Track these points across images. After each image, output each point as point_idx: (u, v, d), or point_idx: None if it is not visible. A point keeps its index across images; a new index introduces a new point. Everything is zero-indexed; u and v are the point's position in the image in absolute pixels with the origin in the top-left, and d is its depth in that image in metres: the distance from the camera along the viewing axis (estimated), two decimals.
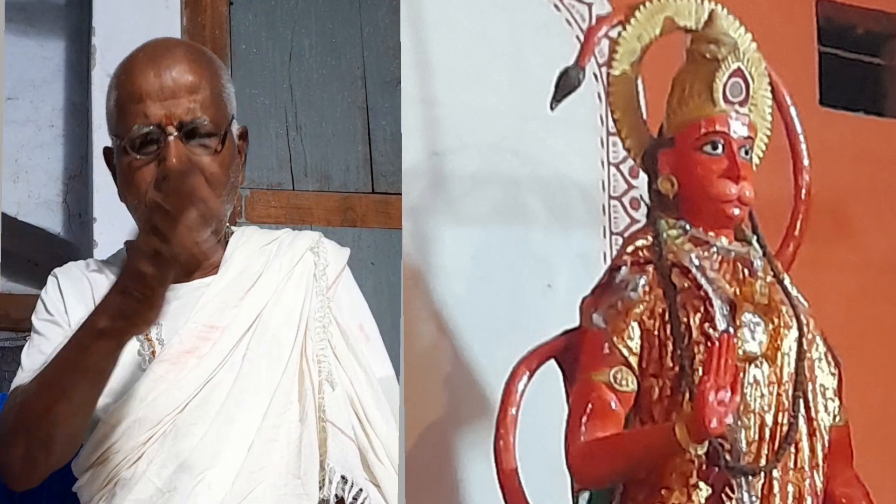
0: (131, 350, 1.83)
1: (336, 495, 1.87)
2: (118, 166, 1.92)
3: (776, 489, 2.02)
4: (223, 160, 1.90)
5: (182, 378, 1.83)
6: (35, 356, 1.86)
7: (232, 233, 2.01)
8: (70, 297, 1.91)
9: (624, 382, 2.03)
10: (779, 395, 2.06)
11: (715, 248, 2.10)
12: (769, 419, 2.04)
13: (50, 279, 1.96)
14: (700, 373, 1.95)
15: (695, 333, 2.03)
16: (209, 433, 1.82)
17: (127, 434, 1.81)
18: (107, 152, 1.95)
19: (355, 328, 1.98)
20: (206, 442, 1.81)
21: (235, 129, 1.97)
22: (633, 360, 2.04)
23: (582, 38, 2.68)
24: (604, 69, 2.39)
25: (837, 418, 2.14)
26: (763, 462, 2.02)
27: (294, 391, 1.89)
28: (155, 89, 1.88)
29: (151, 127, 1.86)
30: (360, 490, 1.88)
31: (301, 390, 1.89)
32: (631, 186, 2.79)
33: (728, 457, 1.99)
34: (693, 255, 2.09)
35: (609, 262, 2.30)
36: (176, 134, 1.86)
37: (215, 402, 1.84)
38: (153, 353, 1.87)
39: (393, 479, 1.91)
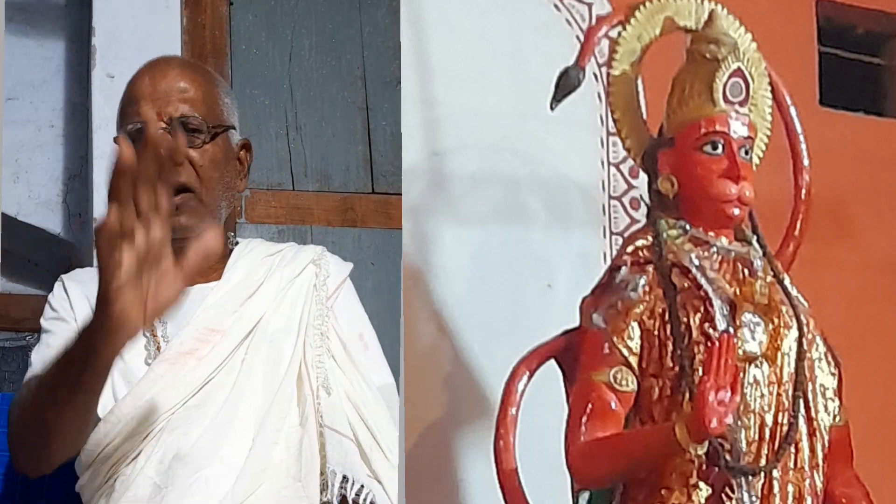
0: (137, 347, 1.87)
1: (340, 494, 1.88)
2: None
3: (776, 489, 2.02)
4: (213, 156, 1.94)
5: (181, 378, 1.85)
6: (43, 351, 1.89)
7: (236, 243, 2.05)
8: (75, 296, 1.94)
9: (624, 382, 2.03)
10: (779, 395, 2.05)
11: (715, 248, 2.10)
12: (769, 419, 2.04)
13: (56, 283, 1.99)
14: (700, 373, 1.95)
15: (695, 333, 2.03)
16: (208, 432, 1.83)
17: (126, 432, 1.82)
18: None
19: (355, 337, 2.01)
20: (204, 439, 1.83)
21: (236, 139, 2.02)
22: (633, 360, 2.04)
23: (582, 38, 2.68)
24: (604, 69, 2.39)
25: (837, 418, 2.14)
26: (763, 462, 2.02)
27: (294, 395, 1.91)
28: (148, 92, 1.94)
29: (143, 123, 1.90)
30: (362, 486, 1.89)
31: (301, 395, 1.91)
32: (631, 186, 2.79)
33: (728, 457, 1.99)
34: (693, 255, 2.09)
35: (609, 262, 2.30)
36: (164, 127, 1.88)
37: (214, 403, 1.86)
38: (158, 348, 1.89)
39: (393, 474, 1.93)
